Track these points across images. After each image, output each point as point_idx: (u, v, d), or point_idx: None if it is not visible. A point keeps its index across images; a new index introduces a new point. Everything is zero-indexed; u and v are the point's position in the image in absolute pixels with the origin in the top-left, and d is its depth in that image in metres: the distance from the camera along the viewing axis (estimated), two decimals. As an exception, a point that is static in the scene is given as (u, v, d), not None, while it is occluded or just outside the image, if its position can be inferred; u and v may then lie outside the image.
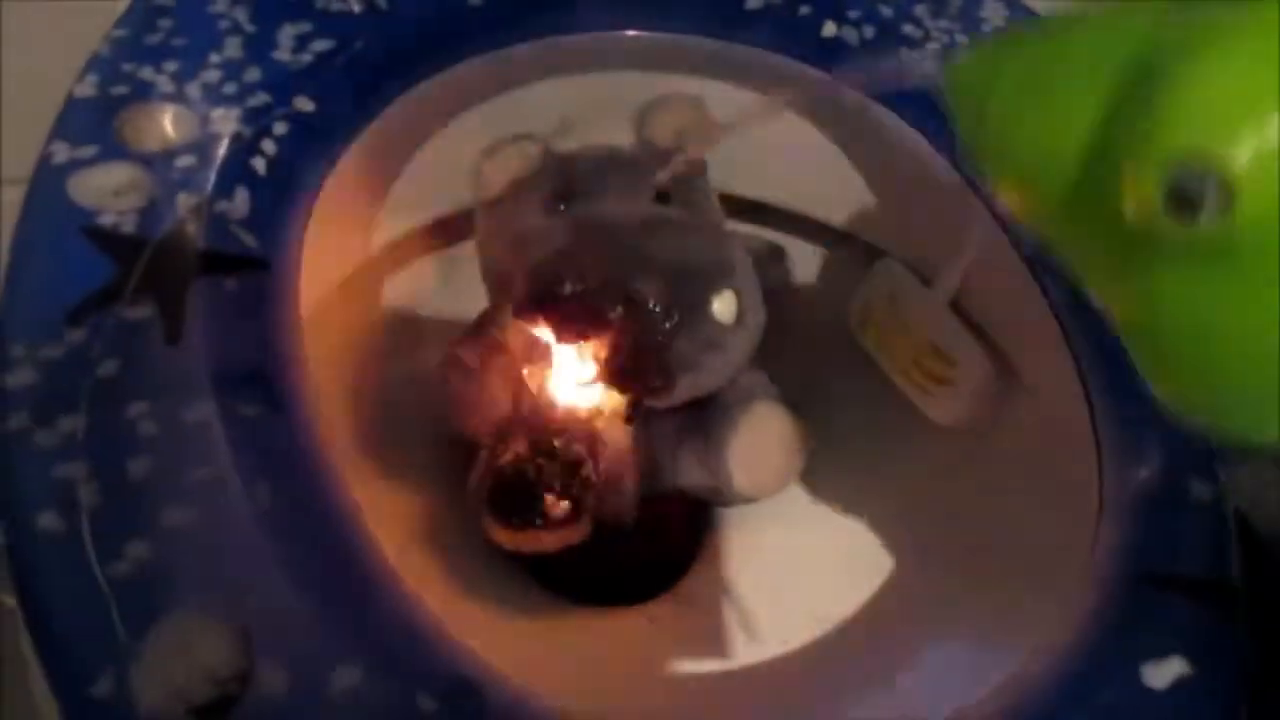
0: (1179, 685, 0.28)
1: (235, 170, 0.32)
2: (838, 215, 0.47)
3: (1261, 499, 0.33)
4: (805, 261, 0.48)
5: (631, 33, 0.43)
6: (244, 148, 0.32)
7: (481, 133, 0.40)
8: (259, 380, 0.29)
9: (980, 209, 0.38)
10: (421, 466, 0.42)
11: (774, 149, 0.45)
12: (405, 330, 0.47)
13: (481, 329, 0.44)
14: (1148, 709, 0.28)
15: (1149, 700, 0.28)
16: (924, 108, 0.40)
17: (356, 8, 0.39)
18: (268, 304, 0.30)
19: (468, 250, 0.41)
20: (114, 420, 0.26)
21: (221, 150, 0.32)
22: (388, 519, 0.31)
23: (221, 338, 0.29)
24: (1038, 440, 0.39)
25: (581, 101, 0.44)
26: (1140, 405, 0.32)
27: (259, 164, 0.32)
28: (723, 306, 0.37)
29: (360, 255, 0.42)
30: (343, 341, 0.41)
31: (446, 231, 0.46)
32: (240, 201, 0.31)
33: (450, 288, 0.48)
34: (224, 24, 0.38)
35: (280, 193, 0.33)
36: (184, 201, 0.30)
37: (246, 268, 0.30)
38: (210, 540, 0.25)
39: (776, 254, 0.47)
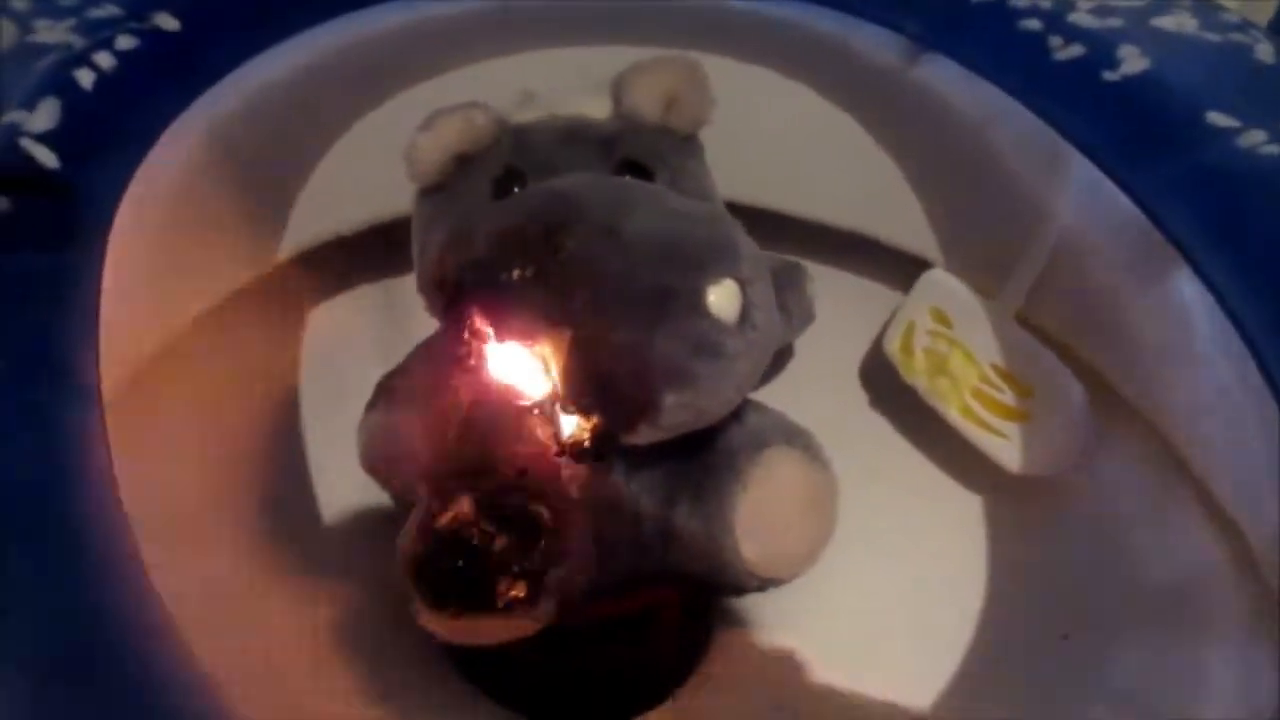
0: None
1: (48, 81, 0.25)
2: (866, 220, 0.41)
3: None
4: (829, 281, 0.41)
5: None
6: (69, 59, 0.25)
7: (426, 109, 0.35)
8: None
9: (1065, 177, 0.32)
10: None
11: (781, 137, 0.39)
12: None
13: (414, 358, 0.39)
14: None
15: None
16: (984, 45, 0.33)
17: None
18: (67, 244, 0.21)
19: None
20: None
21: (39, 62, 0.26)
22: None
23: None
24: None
25: (548, 74, 0.39)
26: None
27: (84, 77, 0.24)
28: (721, 298, 0.30)
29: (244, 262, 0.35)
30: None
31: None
32: (44, 114, 0.23)
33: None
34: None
35: (107, 113, 0.24)
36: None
37: (32, 188, 0.21)
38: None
39: (794, 272, 0.40)
